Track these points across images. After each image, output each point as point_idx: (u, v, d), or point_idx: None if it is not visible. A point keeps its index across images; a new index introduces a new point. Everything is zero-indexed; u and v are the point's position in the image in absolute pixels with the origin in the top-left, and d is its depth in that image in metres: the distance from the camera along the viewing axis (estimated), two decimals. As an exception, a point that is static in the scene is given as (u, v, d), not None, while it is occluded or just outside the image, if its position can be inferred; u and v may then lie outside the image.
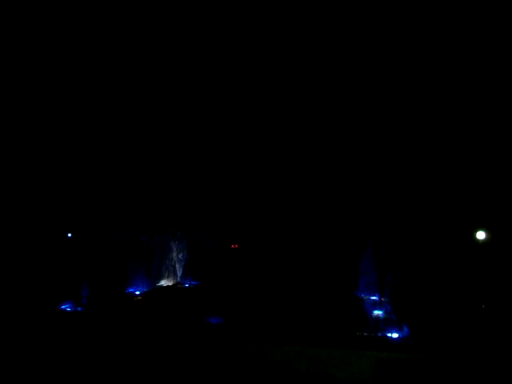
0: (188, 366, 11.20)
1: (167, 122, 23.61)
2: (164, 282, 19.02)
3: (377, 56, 22.61)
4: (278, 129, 23.45)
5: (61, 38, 22.20)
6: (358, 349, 11.10)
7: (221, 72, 23.54)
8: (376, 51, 22.54)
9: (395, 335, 12.12)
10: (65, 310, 14.11)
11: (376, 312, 14.66)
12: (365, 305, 15.48)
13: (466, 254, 19.09)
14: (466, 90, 21.44)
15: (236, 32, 22.88)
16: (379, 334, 12.19)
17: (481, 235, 19.96)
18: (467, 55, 21.36)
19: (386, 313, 14.43)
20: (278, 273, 18.10)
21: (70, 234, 22.33)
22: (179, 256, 19.47)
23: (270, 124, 23.48)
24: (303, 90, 23.37)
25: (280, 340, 11.73)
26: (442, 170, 21.59)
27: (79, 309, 14.09)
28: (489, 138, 21.07)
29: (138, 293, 16.36)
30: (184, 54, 23.44)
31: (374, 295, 16.47)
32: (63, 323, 12.75)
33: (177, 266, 19.60)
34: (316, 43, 22.94)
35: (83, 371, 11.00)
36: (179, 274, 19.58)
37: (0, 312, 12.84)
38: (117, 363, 11.22)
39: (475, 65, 21.24)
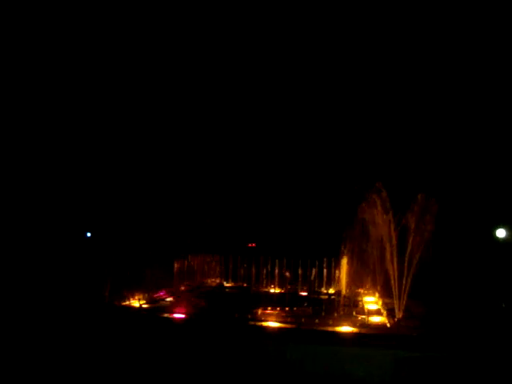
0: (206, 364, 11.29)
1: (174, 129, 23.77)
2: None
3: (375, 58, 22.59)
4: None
5: (62, 38, 22.41)
6: (376, 347, 11.06)
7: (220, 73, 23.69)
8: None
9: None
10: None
11: None
12: None
13: (487, 252, 18.91)
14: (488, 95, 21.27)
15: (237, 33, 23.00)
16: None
17: (501, 233, 19.76)
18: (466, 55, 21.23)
19: None
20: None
21: (89, 234, 22.50)
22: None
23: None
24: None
25: (298, 338, 11.76)
26: (461, 169, 21.41)
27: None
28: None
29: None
30: (183, 55, 23.61)
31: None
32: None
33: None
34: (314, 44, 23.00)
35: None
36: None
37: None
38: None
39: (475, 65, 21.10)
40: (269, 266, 18.16)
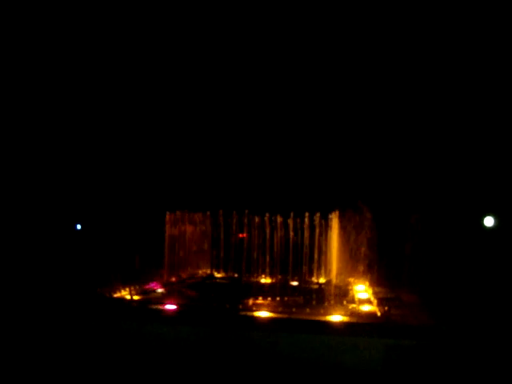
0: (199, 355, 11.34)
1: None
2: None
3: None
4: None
5: (61, 38, 22.23)
6: (367, 336, 11.15)
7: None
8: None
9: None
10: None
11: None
12: None
13: (474, 240, 19.09)
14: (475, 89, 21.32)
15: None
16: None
17: (489, 222, 19.91)
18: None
19: None
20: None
21: (79, 226, 22.34)
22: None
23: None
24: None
25: (289, 328, 11.82)
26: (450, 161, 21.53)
27: None
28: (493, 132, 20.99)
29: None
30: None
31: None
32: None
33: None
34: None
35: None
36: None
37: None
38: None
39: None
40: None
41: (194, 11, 22.54)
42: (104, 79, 23.21)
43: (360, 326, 11.81)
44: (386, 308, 13.12)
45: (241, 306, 13.48)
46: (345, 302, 14.05)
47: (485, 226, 20.47)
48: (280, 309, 13.31)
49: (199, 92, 23.87)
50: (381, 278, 16.20)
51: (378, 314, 12.88)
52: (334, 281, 16.54)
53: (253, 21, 22.57)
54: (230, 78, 23.56)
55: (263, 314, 12.80)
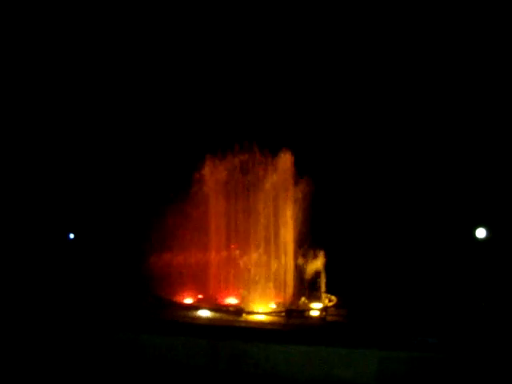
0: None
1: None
2: None
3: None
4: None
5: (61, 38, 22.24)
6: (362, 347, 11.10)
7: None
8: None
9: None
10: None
11: None
12: None
13: (466, 251, 19.20)
14: (464, 90, 21.49)
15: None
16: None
17: (481, 233, 19.97)
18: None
19: None
20: None
21: (72, 235, 22.16)
22: None
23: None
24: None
25: (284, 339, 11.78)
26: (441, 168, 21.63)
27: None
28: (487, 138, 21.13)
29: None
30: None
31: None
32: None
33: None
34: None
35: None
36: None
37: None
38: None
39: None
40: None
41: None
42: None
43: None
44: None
45: None
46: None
47: (476, 238, 20.58)
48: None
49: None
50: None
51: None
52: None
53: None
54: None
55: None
